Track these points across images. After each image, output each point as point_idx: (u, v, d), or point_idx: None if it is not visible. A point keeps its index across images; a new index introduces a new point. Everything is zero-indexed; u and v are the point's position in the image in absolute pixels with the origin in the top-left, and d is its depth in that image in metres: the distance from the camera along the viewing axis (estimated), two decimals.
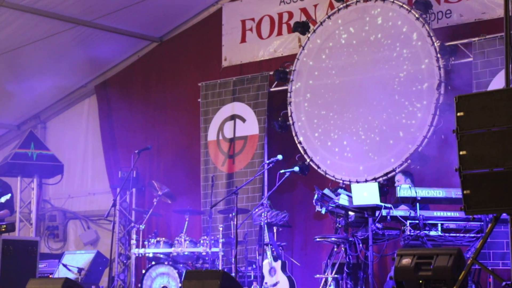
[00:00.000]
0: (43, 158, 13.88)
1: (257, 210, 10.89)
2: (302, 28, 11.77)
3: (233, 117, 12.42)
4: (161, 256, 11.06)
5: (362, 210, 9.46)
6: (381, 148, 10.77)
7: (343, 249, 9.67)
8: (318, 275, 10.04)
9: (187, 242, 10.95)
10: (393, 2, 10.84)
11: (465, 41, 10.40)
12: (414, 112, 10.50)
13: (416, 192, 9.13)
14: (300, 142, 11.60)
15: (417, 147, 10.38)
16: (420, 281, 6.62)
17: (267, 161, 10.91)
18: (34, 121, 15.34)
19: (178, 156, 13.33)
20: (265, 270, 10.52)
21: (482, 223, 8.97)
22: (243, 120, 12.30)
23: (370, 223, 9.24)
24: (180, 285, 10.37)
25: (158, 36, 13.97)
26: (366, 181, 10.70)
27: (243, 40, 12.82)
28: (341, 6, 11.41)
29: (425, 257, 6.74)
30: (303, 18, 12.02)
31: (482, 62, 10.04)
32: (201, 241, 10.96)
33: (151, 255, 11.10)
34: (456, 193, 9.06)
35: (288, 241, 11.56)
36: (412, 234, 9.04)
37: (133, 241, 11.37)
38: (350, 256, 9.60)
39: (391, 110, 10.71)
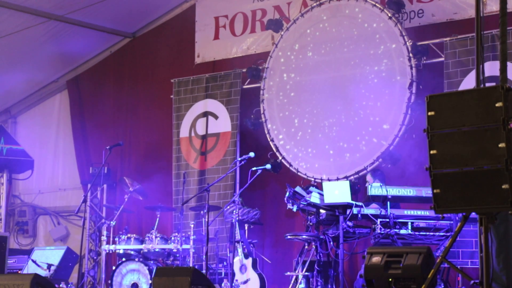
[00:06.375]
0: (13, 153, 13.76)
1: (228, 207, 10.89)
2: (275, 25, 11.78)
3: (205, 114, 12.40)
4: (132, 252, 11.01)
5: (333, 208, 9.49)
6: (353, 147, 10.80)
7: (314, 247, 9.69)
8: (288, 273, 10.06)
9: (158, 238, 10.92)
10: (366, 1, 10.87)
11: (437, 41, 10.47)
12: (386, 111, 10.54)
13: (387, 191, 9.18)
14: (272, 140, 11.60)
15: (388, 146, 10.42)
16: (390, 279, 6.65)
17: (239, 158, 10.91)
18: (4, 116, 15.20)
19: (150, 153, 13.28)
20: (236, 267, 10.52)
21: (452, 222, 9.04)
22: (216, 117, 12.28)
23: (341, 221, 9.27)
24: (150, 281, 10.33)
25: (131, 31, 13.91)
26: (337, 179, 10.73)
27: (216, 37, 12.80)
28: (315, 4, 11.42)
29: (395, 255, 6.77)
30: (277, 16, 12.03)
31: (453, 62, 10.11)
32: (172, 238, 10.92)
33: (121, 251, 11.05)
34: (426, 192, 9.12)
35: (259, 239, 11.56)
36: (382, 232, 9.08)
37: (104, 237, 11.32)
38: (321, 254, 9.63)
39: (363, 109, 10.74)
